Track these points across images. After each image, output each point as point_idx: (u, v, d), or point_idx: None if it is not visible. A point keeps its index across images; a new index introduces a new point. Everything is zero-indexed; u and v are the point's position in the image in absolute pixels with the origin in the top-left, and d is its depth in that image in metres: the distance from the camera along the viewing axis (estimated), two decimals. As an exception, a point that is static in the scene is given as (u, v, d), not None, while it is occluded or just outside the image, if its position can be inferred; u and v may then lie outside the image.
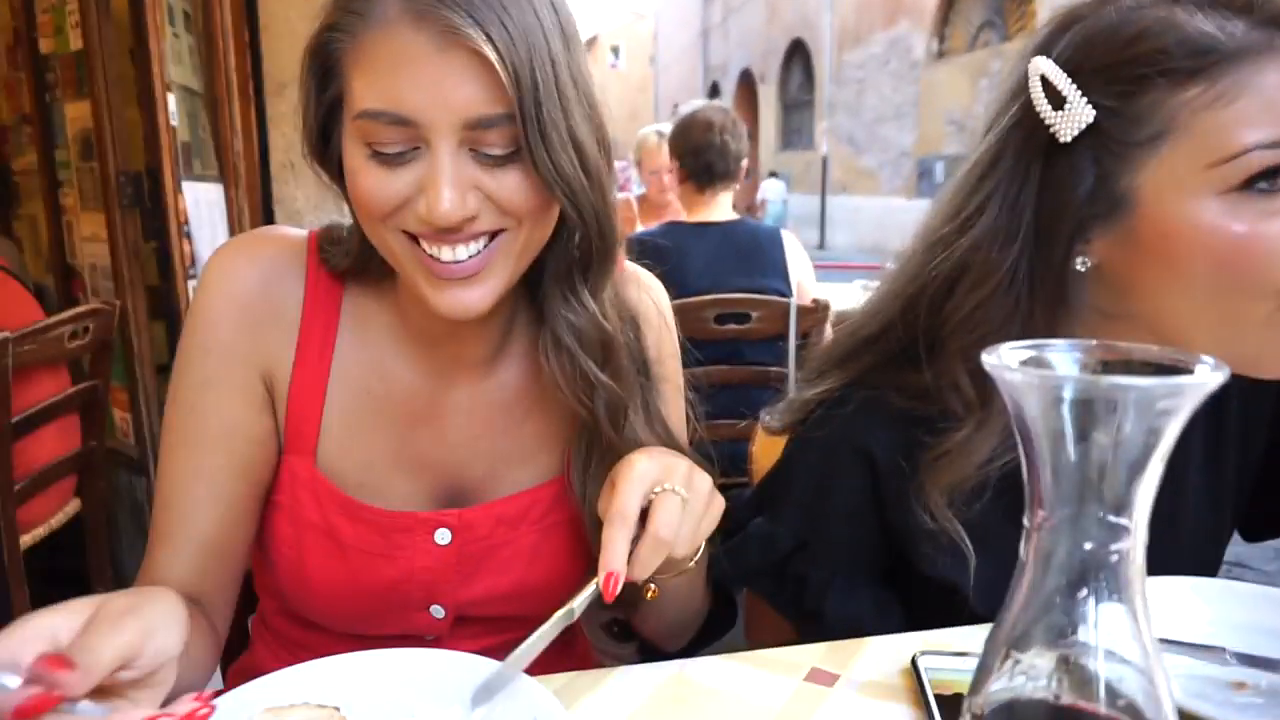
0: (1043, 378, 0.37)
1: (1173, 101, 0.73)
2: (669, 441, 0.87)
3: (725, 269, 2.50)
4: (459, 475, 0.88)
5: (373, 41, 0.67)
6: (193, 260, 2.68)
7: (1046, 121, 0.77)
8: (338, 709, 0.57)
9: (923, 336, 0.85)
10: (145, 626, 0.53)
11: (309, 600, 0.86)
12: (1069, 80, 0.75)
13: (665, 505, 0.69)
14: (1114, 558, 0.38)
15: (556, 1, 0.71)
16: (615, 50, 36.84)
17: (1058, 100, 0.76)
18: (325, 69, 0.72)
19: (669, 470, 0.71)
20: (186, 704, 0.55)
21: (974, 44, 16.07)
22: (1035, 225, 0.79)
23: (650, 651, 0.95)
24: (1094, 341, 0.40)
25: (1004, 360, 0.38)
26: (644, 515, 0.69)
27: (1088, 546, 0.38)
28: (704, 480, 0.73)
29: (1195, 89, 0.72)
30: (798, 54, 23.60)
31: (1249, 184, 0.71)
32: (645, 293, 0.94)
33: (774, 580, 0.92)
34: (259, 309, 0.82)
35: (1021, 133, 0.80)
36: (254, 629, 0.99)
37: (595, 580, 0.67)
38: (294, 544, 0.84)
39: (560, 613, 0.68)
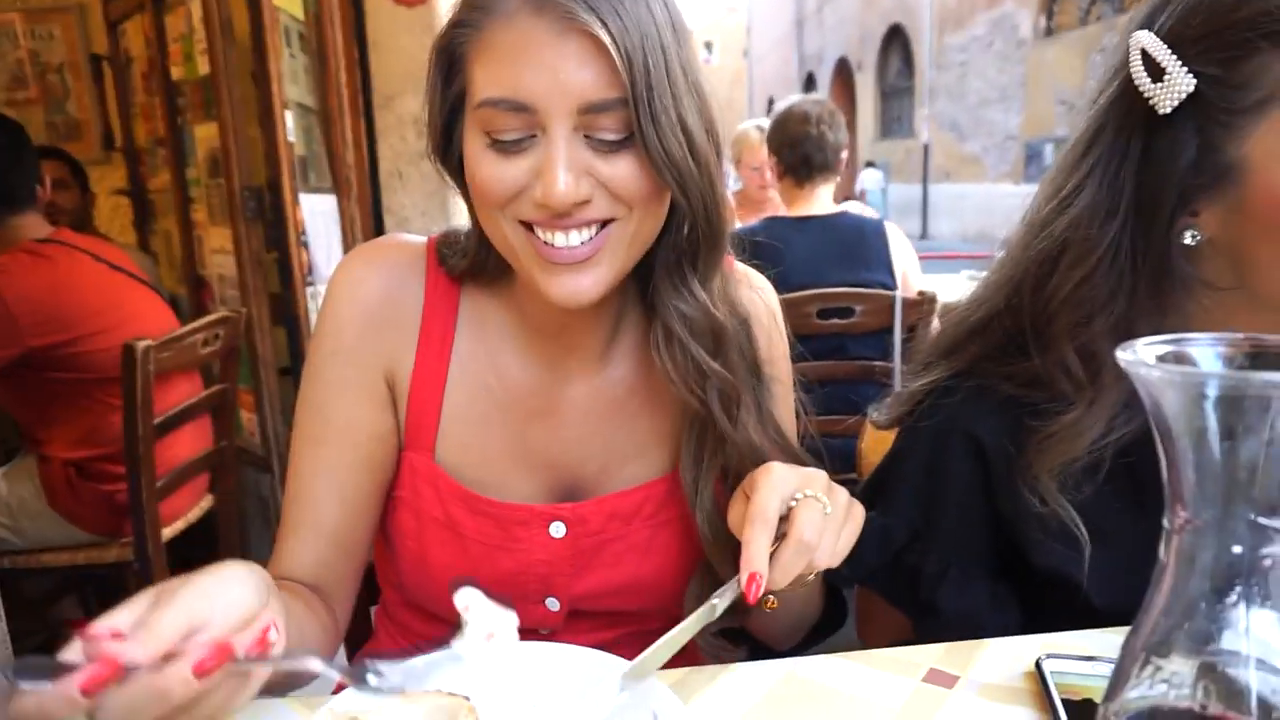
0: (1185, 374, 0.36)
1: (1279, 65, 0.70)
2: (781, 441, 0.87)
3: (826, 263, 2.45)
4: (573, 470, 0.90)
5: (494, 32, 0.71)
6: (310, 268, 2.81)
7: (1146, 94, 0.76)
8: (467, 698, 0.59)
9: (1028, 320, 0.84)
10: (201, 592, 0.54)
11: (431, 591, 0.90)
12: (1168, 51, 0.74)
13: (808, 510, 0.69)
14: (1266, 562, 0.36)
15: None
16: (708, 46, 36.67)
17: (1157, 72, 0.75)
18: (450, 65, 0.76)
19: (809, 479, 0.72)
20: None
21: (1086, 19, 15.31)
22: (1136, 200, 0.78)
23: (759, 650, 0.95)
24: (1240, 335, 0.38)
25: (1140, 356, 0.37)
26: (780, 524, 0.69)
27: (1236, 550, 0.37)
28: (843, 492, 0.73)
29: None
30: (895, 40, 22.99)
31: None
32: (756, 294, 0.94)
33: (889, 574, 0.91)
34: (381, 313, 0.86)
35: (1121, 108, 0.79)
36: (377, 620, 1.04)
37: (737, 580, 0.67)
38: (416, 536, 0.88)
39: (702, 609, 0.69)
